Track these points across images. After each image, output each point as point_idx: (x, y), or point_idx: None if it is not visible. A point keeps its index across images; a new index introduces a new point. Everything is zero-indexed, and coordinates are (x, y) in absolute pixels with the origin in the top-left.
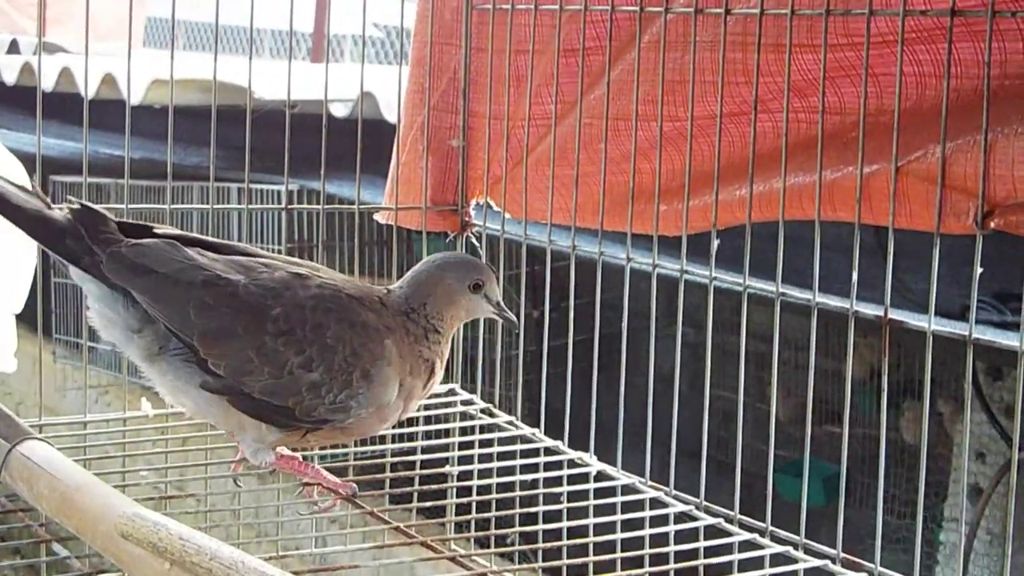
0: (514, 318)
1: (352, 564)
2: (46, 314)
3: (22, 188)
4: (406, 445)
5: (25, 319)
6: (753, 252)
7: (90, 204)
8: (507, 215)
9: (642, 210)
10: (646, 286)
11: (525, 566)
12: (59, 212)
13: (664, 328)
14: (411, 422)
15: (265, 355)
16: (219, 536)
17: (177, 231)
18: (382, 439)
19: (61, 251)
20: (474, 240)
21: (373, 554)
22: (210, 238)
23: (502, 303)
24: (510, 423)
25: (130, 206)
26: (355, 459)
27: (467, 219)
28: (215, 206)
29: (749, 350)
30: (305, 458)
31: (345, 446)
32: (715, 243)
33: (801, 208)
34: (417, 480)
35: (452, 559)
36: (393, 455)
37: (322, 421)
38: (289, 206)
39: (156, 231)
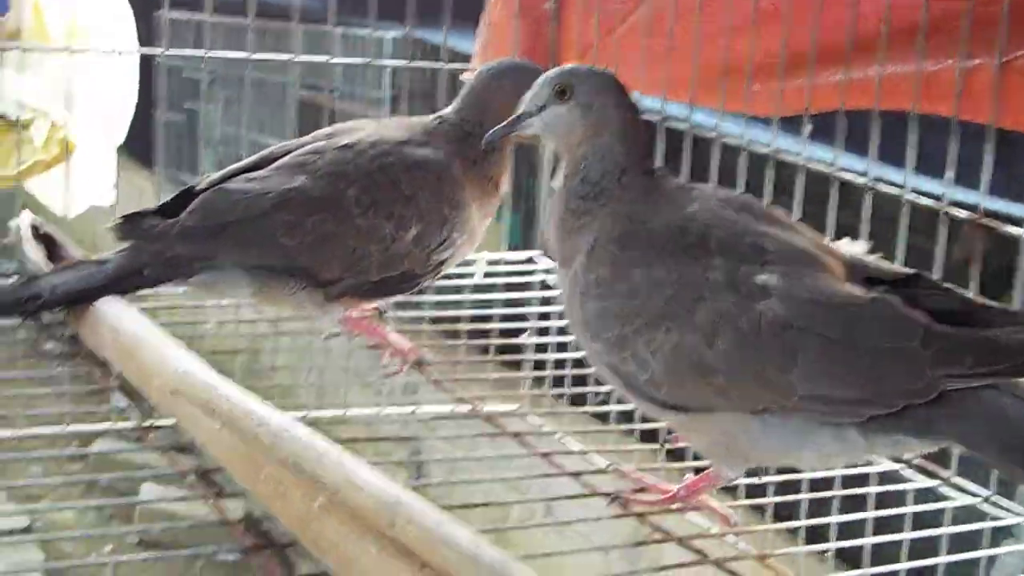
0: None
1: (409, 436)
2: (149, 147)
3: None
4: (482, 311)
5: (130, 152)
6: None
7: (119, 219)
8: None
9: (735, 88)
10: (735, 162)
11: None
12: (111, 256)
13: None
14: (490, 288)
15: (366, 237)
16: (281, 399)
17: (217, 173)
18: (458, 304)
19: (153, 282)
20: None
21: (432, 425)
22: (245, 160)
23: None
24: None
25: (209, 54)
26: (429, 323)
27: None
28: (299, 57)
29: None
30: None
31: (421, 307)
32: (807, 127)
33: (897, 98)
34: (492, 349)
35: (515, 435)
36: (471, 320)
37: (438, 265)
38: (371, 60)
39: (195, 189)
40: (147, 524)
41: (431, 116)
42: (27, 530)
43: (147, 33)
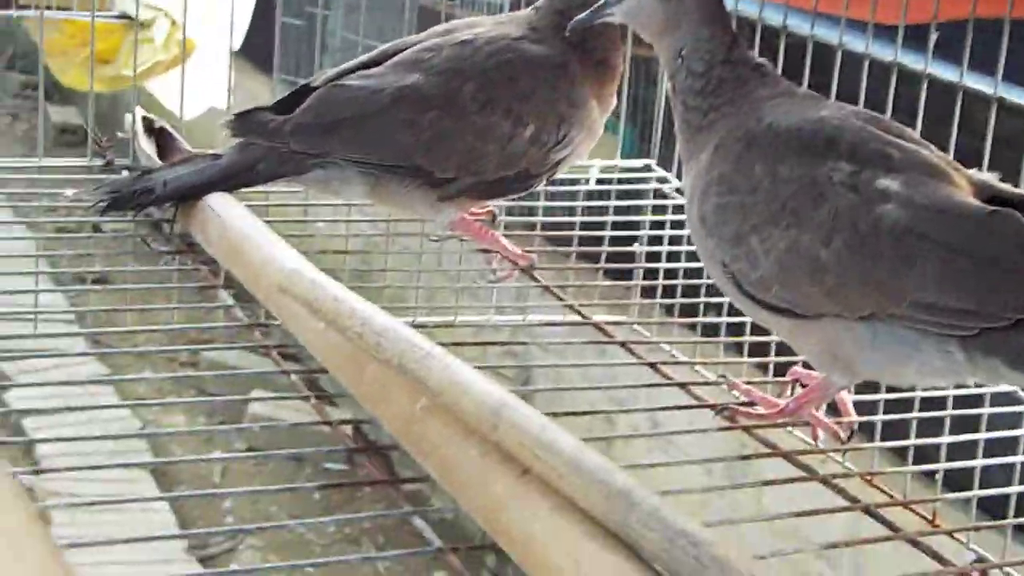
0: None
1: (517, 340)
2: (267, 52)
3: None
4: (594, 219)
5: (248, 56)
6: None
7: (239, 114)
8: None
9: None
10: (858, 74)
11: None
12: (226, 150)
13: None
14: (602, 195)
15: (483, 134)
16: (391, 304)
17: (332, 70)
18: (570, 211)
19: (265, 178)
20: None
21: (540, 332)
22: (361, 56)
23: None
24: None
25: None
26: (540, 229)
27: None
28: None
29: (960, 150)
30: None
31: (532, 212)
32: (933, 35)
33: None
34: (603, 257)
35: (623, 344)
36: (581, 228)
37: (555, 164)
38: None
39: (312, 84)
40: (257, 426)
41: (530, 8)
42: (139, 431)
43: None
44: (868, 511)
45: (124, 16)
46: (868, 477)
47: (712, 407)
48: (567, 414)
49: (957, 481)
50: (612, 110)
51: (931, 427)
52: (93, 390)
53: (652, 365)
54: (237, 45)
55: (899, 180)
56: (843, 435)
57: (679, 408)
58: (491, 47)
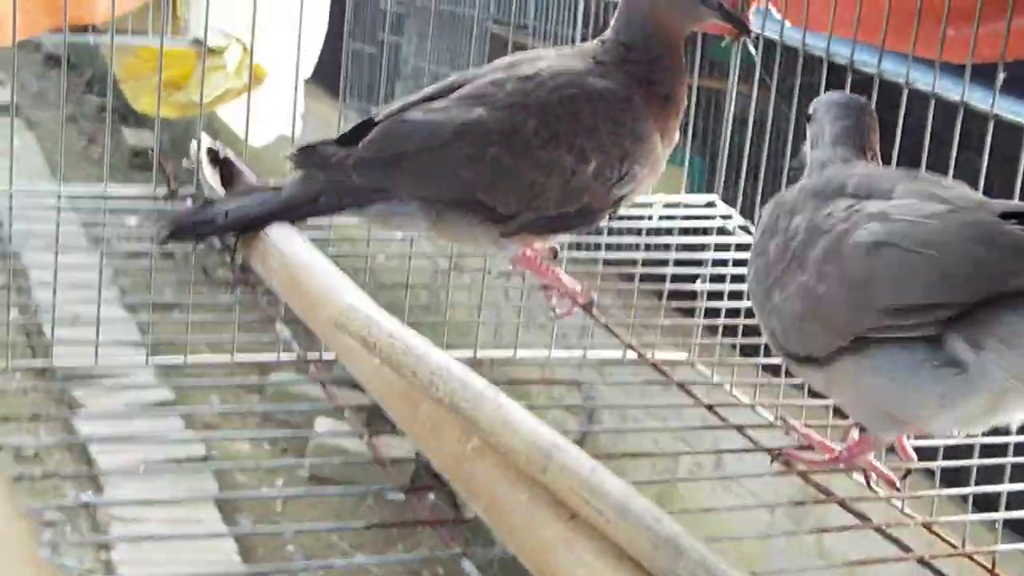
0: (743, 20)
1: (582, 380)
2: (340, 78)
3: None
4: (658, 256)
5: (321, 83)
6: None
7: (302, 148)
8: (787, 22)
9: (928, 32)
10: (924, 111)
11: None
12: (288, 182)
13: (935, 156)
14: (666, 231)
15: (546, 170)
16: (454, 337)
17: (394, 105)
18: (633, 247)
19: (327, 211)
20: (751, 47)
21: (606, 370)
22: (425, 89)
23: (725, 5)
24: None
25: None
26: (603, 265)
27: (746, 23)
28: None
29: None
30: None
31: (595, 247)
32: (1001, 75)
33: None
34: (665, 294)
35: (680, 385)
36: (644, 264)
37: (618, 200)
38: None
39: (375, 119)
40: (319, 458)
41: (595, 41)
42: (203, 458)
43: None
44: (922, 561)
45: (196, 42)
46: (926, 524)
47: (768, 451)
48: (631, 455)
49: (1019, 528)
50: (676, 144)
51: (994, 474)
52: (158, 414)
53: (709, 407)
54: (308, 73)
55: (892, 203)
56: (898, 482)
57: (734, 452)
58: (555, 81)
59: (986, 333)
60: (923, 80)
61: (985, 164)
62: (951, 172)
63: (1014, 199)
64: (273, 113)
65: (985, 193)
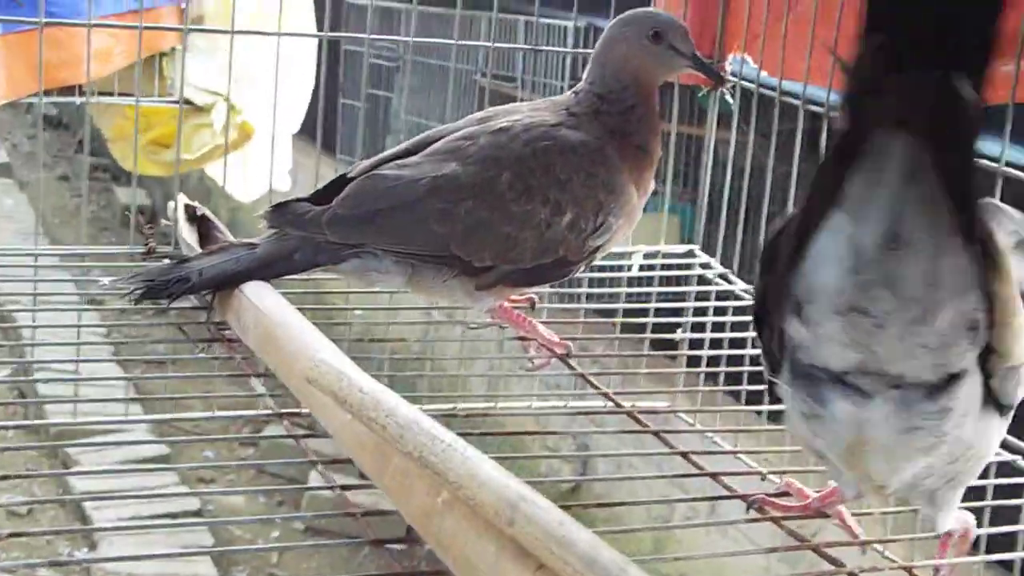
0: (717, 71)
1: (550, 430)
2: (329, 133)
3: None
4: (637, 306)
5: (313, 138)
6: None
7: (275, 205)
8: (763, 72)
9: None
10: None
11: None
12: (262, 241)
13: None
14: (647, 282)
15: (520, 223)
16: (431, 388)
17: (367, 160)
18: (613, 298)
19: (301, 267)
20: (728, 96)
21: (578, 420)
22: (399, 146)
23: (699, 56)
24: (747, 291)
25: (414, 39)
26: (584, 316)
27: (723, 73)
28: (497, 44)
29: None
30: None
31: (576, 299)
32: (1008, 124)
33: None
34: (647, 344)
35: (656, 433)
36: (624, 315)
37: (592, 252)
38: (573, 49)
39: (348, 176)
40: (315, 511)
41: (569, 93)
42: (198, 513)
43: (334, 19)
44: None
45: (174, 101)
46: (906, 568)
47: (743, 498)
48: (622, 503)
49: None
50: (656, 192)
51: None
52: (152, 468)
53: (684, 454)
54: (295, 128)
55: None
56: (858, 531)
57: (710, 499)
58: (528, 135)
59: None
60: None
61: None
62: None
63: None
64: (262, 169)
65: None
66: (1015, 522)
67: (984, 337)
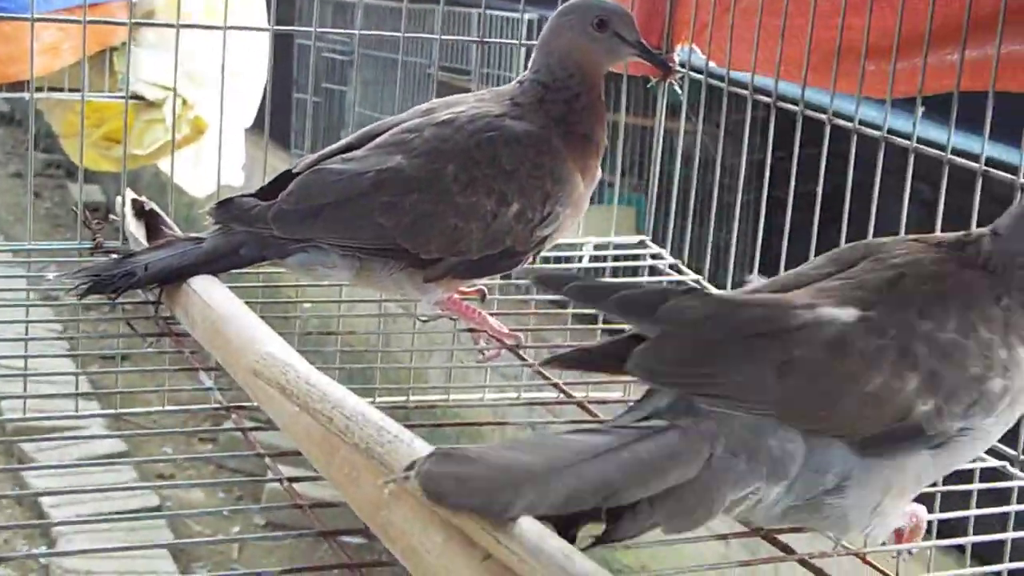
0: (664, 60)
1: (500, 420)
2: (283, 127)
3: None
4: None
5: (268, 132)
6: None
7: (220, 201)
8: (711, 63)
9: (848, 69)
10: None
11: None
12: (206, 235)
13: (864, 190)
14: (599, 273)
15: (466, 214)
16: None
17: (313, 155)
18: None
19: (247, 262)
20: (677, 87)
21: (529, 411)
22: (345, 139)
23: (645, 43)
24: (697, 282)
25: (361, 32)
26: (535, 307)
27: (671, 63)
28: (445, 36)
29: (948, 227)
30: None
31: (526, 289)
32: (919, 110)
33: (1016, 78)
34: (598, 334)
35: (602, 423)
36: (575, 306)
37: (540, 242)
38: (522, 42)
39: (293, 171)
40: (274, 505)
41: (514, 83)
42: (157, 509)
43: (287, 13)
44: None
45: (134, 96)
46: (861, 555)
47: None
48: None
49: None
50: (604, 182)
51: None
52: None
53: None
54: (248, 123)
55: None
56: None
57: None
58: (472, 126)
59: None
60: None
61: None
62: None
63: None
64: (215, 164)
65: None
66: (1004, 529)
67: None
